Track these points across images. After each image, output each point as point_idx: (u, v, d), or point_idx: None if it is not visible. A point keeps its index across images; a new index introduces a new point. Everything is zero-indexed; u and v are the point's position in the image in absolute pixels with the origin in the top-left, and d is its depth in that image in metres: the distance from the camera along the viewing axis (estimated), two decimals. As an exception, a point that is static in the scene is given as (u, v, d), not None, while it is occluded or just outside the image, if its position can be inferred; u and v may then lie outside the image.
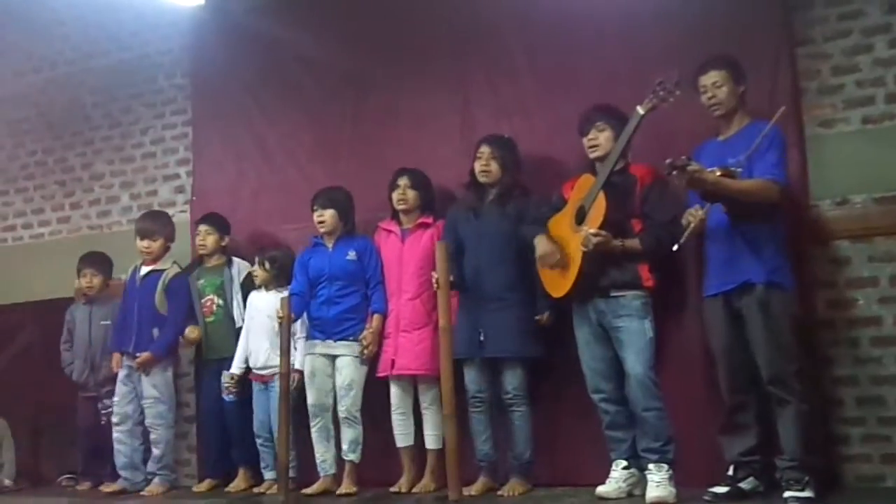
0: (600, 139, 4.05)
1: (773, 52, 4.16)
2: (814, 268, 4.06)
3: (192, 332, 5.09)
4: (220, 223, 5.17)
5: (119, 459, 5.13)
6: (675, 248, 3.65)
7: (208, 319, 5.09)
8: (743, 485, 3.72)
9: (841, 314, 4.05)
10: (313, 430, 4.65)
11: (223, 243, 5.16)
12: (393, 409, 4.56)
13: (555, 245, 4.00)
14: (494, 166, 4.33)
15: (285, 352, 4.37)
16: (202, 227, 5.16)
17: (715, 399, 3.89)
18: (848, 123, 4.10)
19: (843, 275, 4.06)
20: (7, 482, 5.63)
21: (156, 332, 5.09)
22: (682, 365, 4.13)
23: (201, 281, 5.14)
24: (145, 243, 5.15)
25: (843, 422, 3.99)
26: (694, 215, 3.66)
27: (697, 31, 4.23)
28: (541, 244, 4.03)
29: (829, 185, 4.08)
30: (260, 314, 4.84)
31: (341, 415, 4.57)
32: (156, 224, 5.23)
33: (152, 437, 5.09)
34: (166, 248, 5.22)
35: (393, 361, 4.50)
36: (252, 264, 5.01)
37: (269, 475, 4.84)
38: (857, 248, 4.05)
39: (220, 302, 5.07)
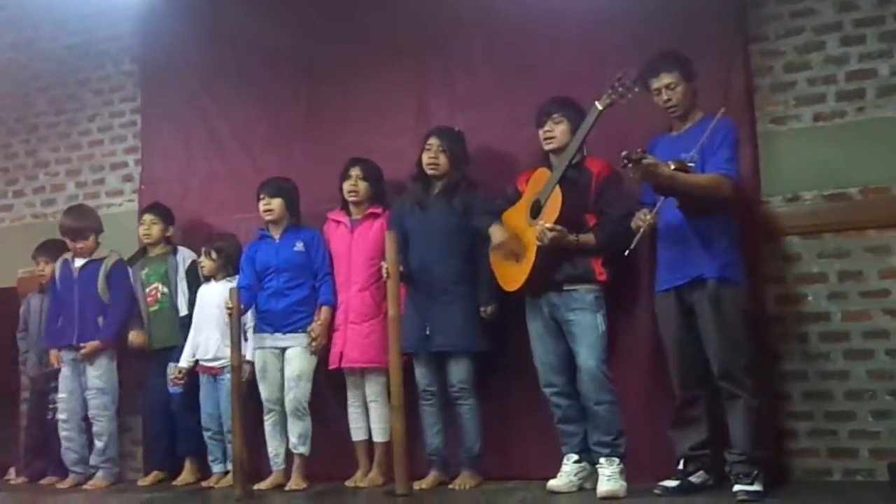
0: (556, 131, 4.04)
1: (728, 49, 4.20)
2: (764, 263, 4.09)
3: (136, 337, 5.01)
4: (164, 213, 5.09)
5: (69, 456, 5.01)
6: (626, 253, 3.65)
7: (152, 308, 5.00)
8: (693, 478, 3.74)
9: (790, 309, 4.09)
10: (266, 424, 4.59)
11: (168, 233, 5.08)
12: (348, 402, 4.52)
13: (509, 235, 3.98)
14: (443, 159, 4.31)
15: (236, 344, 4.30)
16: (147, 217, 5.09)
17: (666, 393, 3.90)
18: (799, 120, 4.15)
19: (793, 270, 4.10)
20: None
21: (101, 320, 4.98)
22: (634, 359, 4.15)
23: (145, 270, 5.06)
24: (79, 244, 5.05)
25: (790, 416, 4.04)
26: (643, 220, 3.67)
27: (654, 27, 4.24)
28: (496, 233, 4.01)
29: (780, 181, 4.12)
30: (209, 305, 4.75)
31: (289, 407, 4.51)
32: (83, 221, 5.11)
33: (95, 429, 4.97)
34: (97, 242, 5.11)
35: (341, 354, 4.45)
36: (199, 254, 4.93)
37: (216, 468, 4.76)
38: (807, 244, 4.09)
39: (165, 290, 4.98)
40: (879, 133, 4.00)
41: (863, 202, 4.01)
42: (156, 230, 5.04)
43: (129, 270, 5.10)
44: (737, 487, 3.52)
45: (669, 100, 3.81)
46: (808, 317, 4.06)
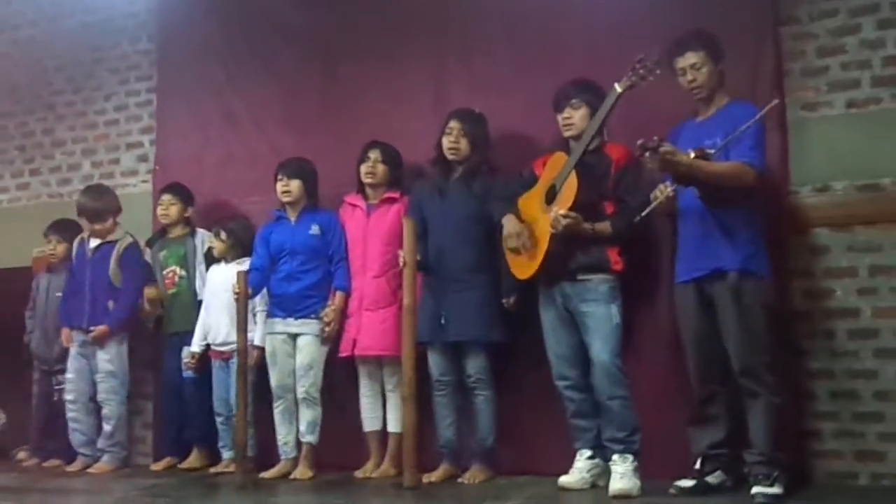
0: (575, 117, 3.89)
1: (757, 31, 4.03)
2: (791, 256, 3.91)
3: (150, 291, 4.91)
4: (183, 193, 5.00)
5: (77, 437, 4.96)
6: (636, 219, 3.51)
7: (170, 291, 4.93)
8: (710, 479, 3.59)
9: (817, 305, 3.91)
10: (276, 412, 4.50)
11: (186, 214, 5.00)
12: (360, 391, 4.42)
13: (522, 226, 3.85)
14: (464, 143, 4.18)
15: (242, 328, 4.21)
16: (165, 197, 5.00)
17: (683, 389, 3.75)
18: (832, 107, 3.96)
19: (821, 264, 3.92)
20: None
21: (111, 304, 4.91)
22: (650, 352, 4.01)
23: (164, 252, 4.98)
24: (96, 226, 4.98)
25: (815, 416, 3.86)
26: (662, 191, 3.52)
27: (680, 6, 4.08)
28: (508, 224, 3.87)
29: (810, 170, 3.94)
30: (219, 288, 4.66)
31: (300, 395, 4.42)
32: (101, 202, 5.04)
33: (104, 412, 4.91)
34: (115, 223, 5.04)
35: (355, 341, 4.34)
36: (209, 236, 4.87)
37: (227, 454, 4.67)
38: (837, 237, 3.91)
39: (183, 273, 4.91)
40: (916, 121, 3.81)
41: (897, 193, 3.82)
42: (173, 210, 4.97)
43: (144, 253, 5.02)
44: (755, 490, 3.36)
45: (694, 80, 3.64)
46: (836, 313, 3.88)
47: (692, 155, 3.39)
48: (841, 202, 3.90)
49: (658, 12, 4.12)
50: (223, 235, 4.71)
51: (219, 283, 4.68)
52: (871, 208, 3.85)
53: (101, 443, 4.92)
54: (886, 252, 3.83)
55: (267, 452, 4.55)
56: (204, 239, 4.95)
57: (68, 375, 5.00)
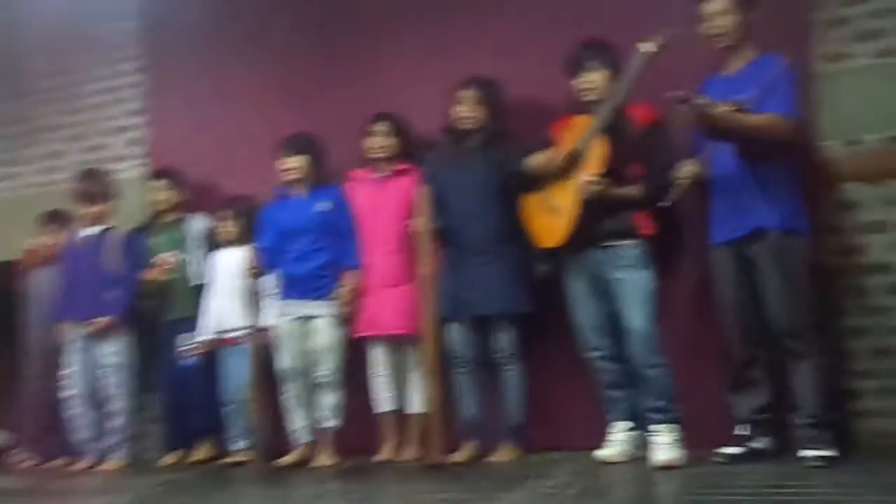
0: (594, 80, 3.74)
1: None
2: (822, 212, 3.80)
3: (150, 274, 4.71)
4: (175, 177, 4.82)
5: (81, 435, 4.77)
6: (660, 205, 3.41)
7: (168, 278, 4.71)
8: (755, 444, 3.49)
9: (850, 261, 3.80)
10: (287, 397, 4.33)
11: (180, 198, 4.81)
12: (373, 371, 4.26)
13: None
14: (479, 111, 4.03)
15: (255, 309, 4.03)
16: (157, 183, 4.83)
17: (718, 355, 3.64)
18: (860, 58, 3.83)
19: (853, 219, 3.82)
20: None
21: (113, 294, 4.70)
22: (683, 319, 3.88)
23: (158, 238, 4.79)
24: (93, 209, 4.77)
25: (854, 375, 3.76)
26: (687, 171, 3.44)
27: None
28: (536, 158, 3.74)
29: (839, 124, 3.81)
30: (226, 273, 4.48)
31: (322, 379, 4.26)
32: (98, 186, 4.86)
33: (110, 408, 4.72)
34: (111, 208, 4.87)
35: (374, 319, 4.18)
36: (213, 220, 4.68)
37: (238, 444, 4.50)
38: (868, 192, 3.80)
39: (181, 258, 4.71)
40: (947, 69, 3.70)
41: (930, 144, 3.72)
42: (166, 195, 4.79)
43: (144, 238, 4.83)
44: (808, 453, 3.27)
45: (718, 27, 3.49)
46: (871, 268, 3.77)
47: (726, 108, 3.26)
48: (872, 155, 3.78)
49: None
50: (234, 219, 4.53)
51: (225, 268, 4.50)
52: (903, 161, 3.75)
53: (108, 439, 4.73)
54: (920, 205, 3.73)
55: (276, 440, 4.38)
56: (200, 223, 4.77)
57: (70, 371, 4.79)
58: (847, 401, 3.72)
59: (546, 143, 3.86)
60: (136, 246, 4.80)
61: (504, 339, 3.93)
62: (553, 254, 3.79)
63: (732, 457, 3.45)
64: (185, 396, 4.68)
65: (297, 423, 4.33)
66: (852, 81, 3.81)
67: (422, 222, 3.81)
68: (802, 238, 3.41)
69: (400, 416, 4.25)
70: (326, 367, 4.25)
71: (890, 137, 3.77)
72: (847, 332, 3.78)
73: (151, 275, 4.70)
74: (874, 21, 3.81)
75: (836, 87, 3.82)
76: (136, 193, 5.02)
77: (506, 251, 3.94)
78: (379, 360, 4.26)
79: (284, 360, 4.32)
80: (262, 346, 4.31)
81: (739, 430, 3.52)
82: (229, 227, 4.56)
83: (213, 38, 5.00)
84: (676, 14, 3.47)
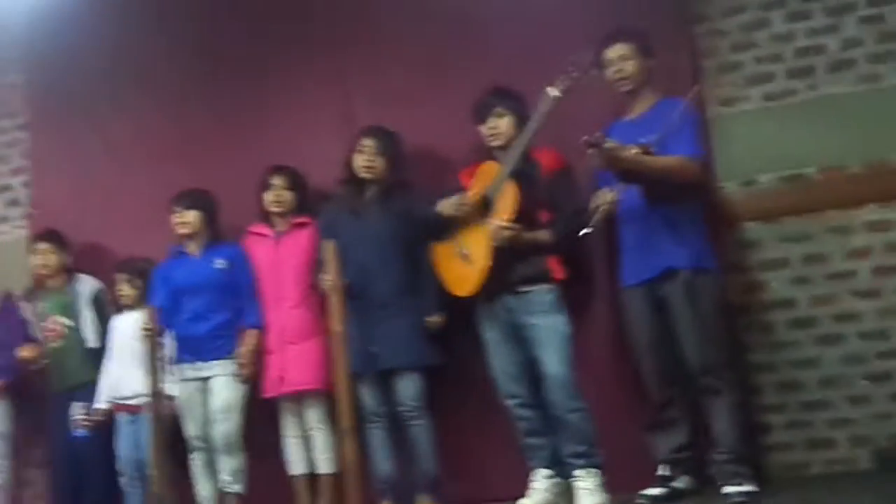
0: (501, 126, 3.75)
1: (671, 30, 4.00)
2: (725, 251, 3.89)
3: (26, 350, 4.45)
4: (59, 240, 4.58)
5: None
6: (582, 233, 3.41)
7: (55, 344, 4.46)
8: (677, 483, 3.50)
9: (754, 298, 3.91)
10: (194, 464, 4.12)
11: (65, 262, 4.57)
12: (284, 433, 4.10)
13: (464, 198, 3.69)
14: (379, 161, 3.97)
15: (153, 371, 3.83)
16: (41, 246, 4.57)
17: (632, 397, 3.68)
18: (750, 101, 3.99)
19: (754, 257, 3.93)
20: None
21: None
22: (597, 362, 3.88)
23: (43, 303, 4.52)
24: None
25: (763, 410, 3.84)
26: (604, 199, 3.43)
27: (593, 10, 4.02)
28: (447, 204, 3.70)
29: (734, 165, 3.96)
30: (126, 337, 4.25)
31: (220, 442, 4.07)
32: None
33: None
34: None
35: (282, 378, 4.03)
36: (102, 281, 4.48)
37: (135, 518, 4.25)
38: (766, 230, 3.93)
39: (70, 323, 4.45)
40: (832, 110, 3.89)
41: (821, 182, 3.88)
42: (53, 260, 4.55)
43: (22, 305, 4.56)
44: (729, 489, 3.28)
45: (620, 70, 3.57)
46: (773, 304, 3.89)
47: (634, 151, 3.32)
48: (767, 195, 3.92)
49: (571, 17, 4.05)
50: (135, 282, 4.31)
51: (125, 332, 4.27)
52: (797, 199, 3.90)
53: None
54: (816, 240, 3.88)
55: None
56: (89, 285, 4.53)
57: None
58: (758, 435, 3.79)
59: (453, 191, 3.83)
60: (10, 313, 4.53)
61: (409, 393, 3.84)
62: (451, 303, 3.75)
63: (655, 498, 3.44)
64: (77, 471, 4.38)
65: (202, 492, 4.12)
66: (744, 124, 3.96)
67: (330, 279, 3.70)
68: (712, 276, 3.47)
69: (313, 478, 4.10)
70: (226, 430, 4.07)
71: (783, 177, 3.91)
72: (754, 367, 3.86)
73: (27, 352, 4.43)
74: (760, 66, 3.98)
75: (729, 131, 3.96)
76: (18, 256, 4.75)
77: (409, 303, 3.88)
78: (288, 421, 4.10)
79: (188, 427, 4.12)
80: (168, 414, 4.09)
81: (661, 471, 3.52)
82: (125, 291, 4.34)
83: (102, 91, 4.78)
84: (579, 60, 3.50)
